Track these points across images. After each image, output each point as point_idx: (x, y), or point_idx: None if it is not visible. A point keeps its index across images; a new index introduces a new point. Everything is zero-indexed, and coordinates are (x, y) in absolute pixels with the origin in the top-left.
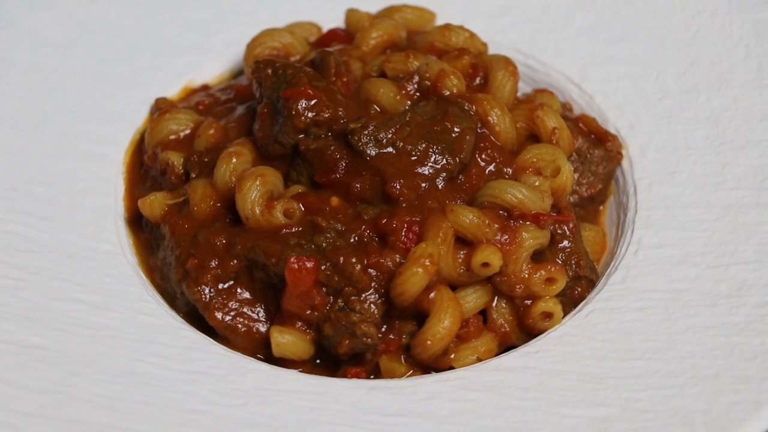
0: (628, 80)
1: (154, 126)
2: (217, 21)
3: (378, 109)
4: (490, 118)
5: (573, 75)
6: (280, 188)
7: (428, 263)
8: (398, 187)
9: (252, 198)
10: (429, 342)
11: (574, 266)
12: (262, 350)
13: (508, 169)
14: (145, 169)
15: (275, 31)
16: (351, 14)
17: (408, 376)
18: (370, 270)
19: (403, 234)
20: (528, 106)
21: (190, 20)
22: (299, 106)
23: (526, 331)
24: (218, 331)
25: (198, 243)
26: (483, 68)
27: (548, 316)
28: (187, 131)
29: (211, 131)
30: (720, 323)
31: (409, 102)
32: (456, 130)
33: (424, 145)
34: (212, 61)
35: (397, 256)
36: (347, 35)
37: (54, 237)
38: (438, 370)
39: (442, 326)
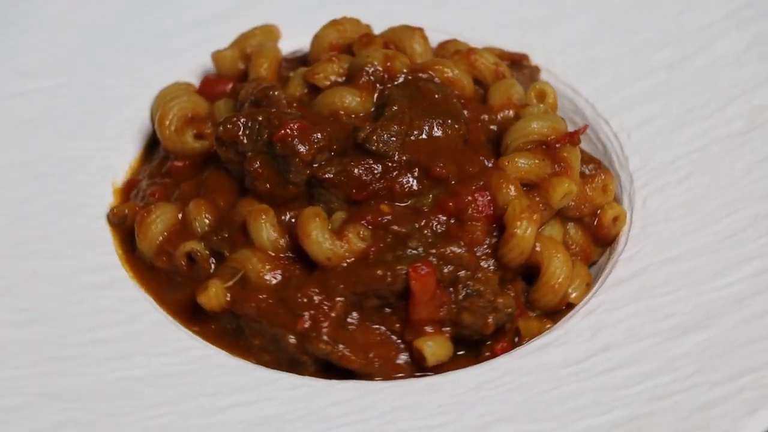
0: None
1: (143, 232)
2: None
3: (351, 116)
4: (449, 77)
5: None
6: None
7: (534, 216)
8: (442, 166)
9: (322, 239)
10: (557, 286)
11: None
12: (405, 369)
13: (485, 116)
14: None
15: (174, 99)
16: (217, 56)
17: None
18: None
19: (478, 203)
20: (460, 56)
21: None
22: (299, 142)
23: (601, 242)
24: (360, 370)
25: (293, 304)
26: (393, 42)
27: (616, 219)
28: (175, 224)
29: (202, 208)
30: None
31: (375, 96)
32: (437, 97)
33: (430, 122)
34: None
35: (479, 224)
36: (223, 77)
37: None
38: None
39: (561, 268)
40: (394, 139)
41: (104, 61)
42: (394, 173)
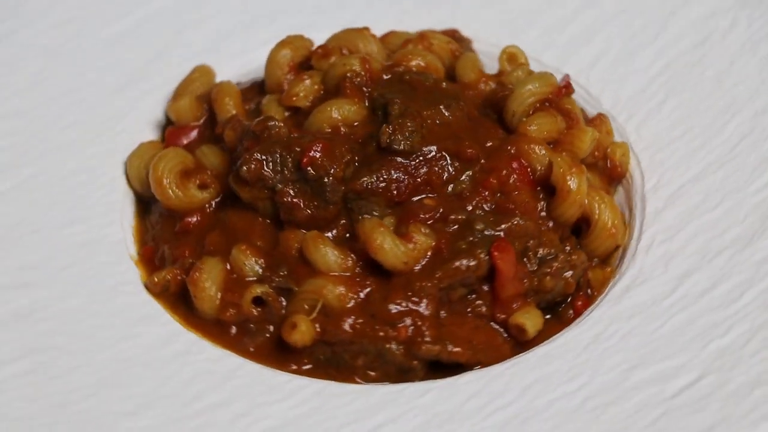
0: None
1: (200, 293)
2: None
3: (346, 129)
4: (424, 64)
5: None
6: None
7: (581, 169)
8: (469, 146)
9: (395, 246)
10: (613, 230)
11: None
12: (507, 349)
13: (470, 92)
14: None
15: (160, 158)
16: (174, 108)
17: None
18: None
19: (517, 172)
20: (415, 41)
21: None
22: (327, 161)
23: (615, 181)
24: (469, 362)
25: (386, 316)
26: (346, 47)
27: (624, 155)
28: (227, 276)
29: (248, 253)
30: None
31: (366, 102)
32: (428, 84)
33: (436, 108)
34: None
35: (525, 192)
36: (186, 126)
37: None
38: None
39: (609, 212)
40: (414, 133)
41: (61, 147)
42: (428, 165)
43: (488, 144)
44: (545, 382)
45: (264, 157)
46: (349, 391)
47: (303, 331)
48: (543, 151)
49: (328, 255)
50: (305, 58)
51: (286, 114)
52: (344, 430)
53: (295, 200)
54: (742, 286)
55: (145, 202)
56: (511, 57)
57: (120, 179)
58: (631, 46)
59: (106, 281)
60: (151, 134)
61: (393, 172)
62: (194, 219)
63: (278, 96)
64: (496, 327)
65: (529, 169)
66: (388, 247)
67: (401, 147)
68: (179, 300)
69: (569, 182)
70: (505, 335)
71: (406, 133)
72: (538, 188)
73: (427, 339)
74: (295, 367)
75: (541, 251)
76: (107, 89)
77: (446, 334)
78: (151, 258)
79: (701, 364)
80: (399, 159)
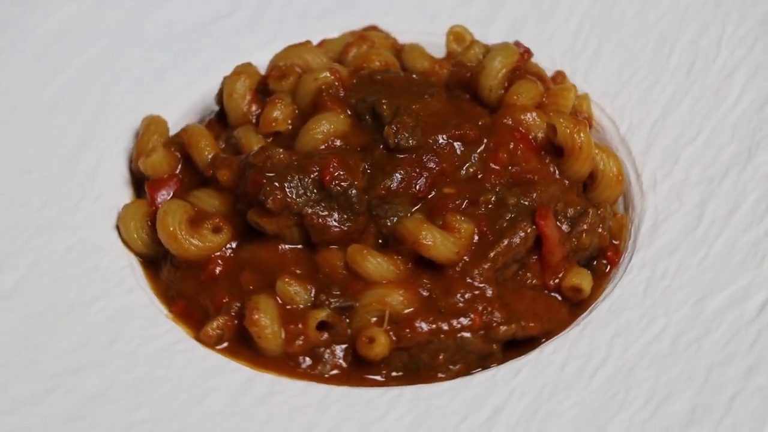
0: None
1: (263, 335)
2: None
3: (340, 141)
4: (383, 61)
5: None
6: None
7: (584, 124)
8: (469, 128)
9: (445, 240)
10: (619, 177)
11: None
12: (566, 312)
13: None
14: None
15: (165, 212)
16: (149, 163)
17: None
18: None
19: (520, 143)
20: (356, 43)
21: None
22: (347, 174)
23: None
24: (541, 333)
25: (455, 309)
26: (296, 64)
27: (581, 99)
28: (281, 311)
29: (293, 283)
30: None
31: (347, 111)
32: (401, 78)
33: (422, 100)
34: None
35: (533, 158)
36: (166, 177)
37: None
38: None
39: (611, 162)
40: (415, 128)
41: (43, 228)
42: (438, 156)
43: (480, 123)
44: (626, 334)
45: (285, 185)
46: (445, 389)
47: (383, 344)
48: (537, 117)
49: (379, 264)
50: (259, 84)
51: (269, 140)
52: (462, 427)
53: (325, 220)
54: (763, 199)
55: (150, 262)
56: (458, 36)
57: (117, 244)
58: (546, 5)
59: (156, 345)
60: (125, 193)
61: (409, 169)
62: (219, 267)
63: (249, 126)
64: (551, 294)
65: (530, 137)
66: (437, 241)
67: (409, 144)
68: (238, 345)
69: (578, 139)
70: (560, 300)
71: (409, 130)
72: (543, 153)
73: (500, 320)
74: (381, 379)
75: (570, 211)
76: (63, 158)
77: (515, 312)
78: (186, 313)
79: (766, 278)
80: (410, 156)
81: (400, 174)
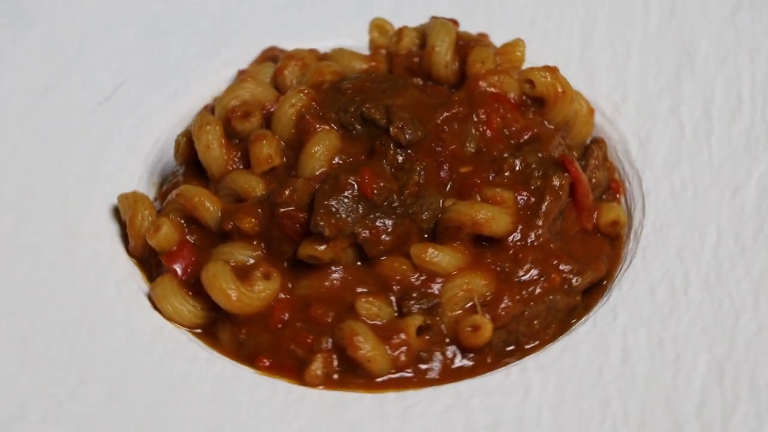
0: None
1: (373, 358)
2: None
3: (340, 157)
4: (335, 71)
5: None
6: None
7: (555, 69)
8: (459, 107)
9: (500, 213)
10: (592, 110)
11: None
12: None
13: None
14: None
15: (212, 275)
16: (156, 239)
17: None
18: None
19: (503, 105)
20: (288, 65)
21: None
22: (381, 179)
23: None
24: (607, 275)
25: (532, 277)
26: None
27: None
28: (381, 327)
29: (371, 302)
30: None
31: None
32: (362, 78)
33: (402, 94)
34: None
35: (518, 115)
36: (179, 245)
37: None
38: None
39: (582, 100)
40: (414, 120)
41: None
42: (443, 140)
43: (456, 98)
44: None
45: (332, 212)
46: (566, 345)
47: (488, 328)
48: (505, 78)
49: (447, 256)
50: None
51: (267, 177)
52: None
53: (377, 231)
54: None
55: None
56: (380, 28)
57: (157, 320)
58: None
59: (273, 403)
60: (137, 275)
61: (429, 160)
62: (284, 311)
63: (239, 171)
64: (593, 235)
65: (509, 97)
66: (494, 215)
67: (418, 136)
68: (346, 376)
69: (558, 85)
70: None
71: (412, 124)
72: (523, 109)
73: (575, 270)
74: (489, 360)
75: (575, 153)
76: (61, 253)
77: (578, 260)
78: (275, 365)
79: None
80: (421, 148)
81: (421, 167)
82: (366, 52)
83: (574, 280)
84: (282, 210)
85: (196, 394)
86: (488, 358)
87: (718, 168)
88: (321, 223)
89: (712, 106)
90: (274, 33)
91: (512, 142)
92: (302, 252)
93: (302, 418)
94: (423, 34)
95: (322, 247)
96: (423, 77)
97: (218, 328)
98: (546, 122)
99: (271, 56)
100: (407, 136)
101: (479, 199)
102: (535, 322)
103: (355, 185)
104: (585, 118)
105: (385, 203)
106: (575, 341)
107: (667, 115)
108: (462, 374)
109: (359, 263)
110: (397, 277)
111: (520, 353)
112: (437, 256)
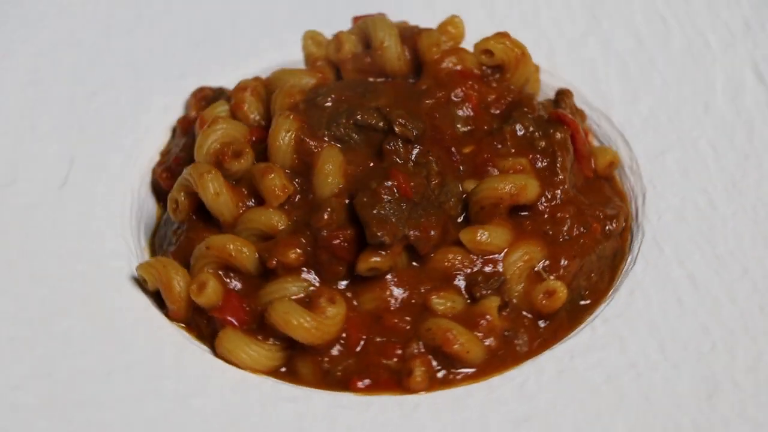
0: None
1: (472, 348)
2: None
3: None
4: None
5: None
6: None
7: (506, 34)
8: (440, 93)
9: (533, 183)
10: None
11: None
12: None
13: None
14: None
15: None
16: (200, 298)
17: None
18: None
19: (474, 81)
20: (249, 90)
21: None
22: (414, 178)
23: None
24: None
25: (576, 228)
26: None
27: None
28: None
29: (441, 294)
30: None
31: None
32: (333, 87)
33: (383, 92)
34: None
35: (488, 88)
36: (225, 302)
37: None
38: None
39: (513, 44)
40: (409, 113)
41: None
42: (439, 127)
43: (425, 87)
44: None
45: (383, 218)
46: (631, 288)
47: (563, 290)
48: (463, 54)
49: (496, 233)
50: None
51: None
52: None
53: (425, 228)
54: None
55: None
56: (314, 39)
57: (237, 373)
58: None
59: (394, 417)
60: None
61: (437, 148)
62: (357, 330)
63: (253, 210)
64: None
65: (473, 72)
66: (525, 184)
67: (420, 129)
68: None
69: (515, 48)
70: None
71: (411, 119)
72: (487, 80)
73: (608, 215)
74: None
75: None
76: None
77: (600, 206)
78: (376, 383)
79: None
80: (425, 139)
81: (434, 157)
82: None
83: (611, 225)
84: (326, 233)
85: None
86: (563, 320)
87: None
88: (379, 234)
89: None
90: (194, 72)
91: (495, 112)
92: (362, 267)
93: (432, 423)
94: (363, 35)
95: (381, 257)
96: (376, 75)
97: (297, 364)
98: (511, 87)
99: (204, 96)
100: (414, 131)
101: (497, 172)
102: (592, 274)
103: (394, 189)
104: (535, 76)
105: (424, 199)
106: (637, 281)
107: None
108: (548, 341)
109: (414, 264)
110: (457, 267)
111: (590, 307)
112: (488, 235)
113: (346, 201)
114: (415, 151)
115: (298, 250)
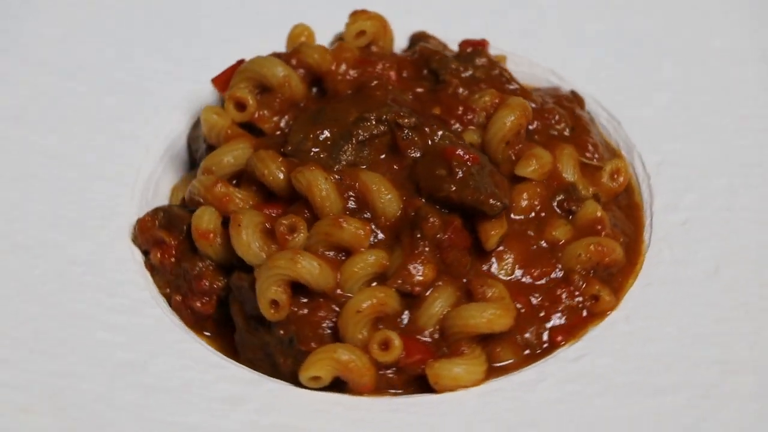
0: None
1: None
2: None
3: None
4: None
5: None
6: None
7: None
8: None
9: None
10: None
11: None
12: None
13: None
14: None
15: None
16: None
17: None
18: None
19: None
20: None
21: None
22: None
23: None
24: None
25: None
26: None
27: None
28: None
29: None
30: None
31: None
32: (311, 97)
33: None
34: None
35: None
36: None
37: None
38: None
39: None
40: (409, 109)
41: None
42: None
43: (418, 90)
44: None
45: (481, 188)
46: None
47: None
48: (345, 48)
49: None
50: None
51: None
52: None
53: (501, 178)
54: None
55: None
56: (215, 112)
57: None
58: None
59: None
60: None
61: (447, 127)
62: (527, 298)
63: (359, 257)
64: None
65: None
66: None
67: (414, 117)
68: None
69: (379, 20)
70: None
71: (403, 110)
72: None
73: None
74: None
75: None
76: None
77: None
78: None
79: None
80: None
81: (443, 131)
82: None
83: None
84: (444, 236)
85: None
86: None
87: None
88: (491, 201)
89: None
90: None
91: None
92: (491, 242)
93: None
94: (255, 81)
95: (498, 222)
96: (287, 109)
97: (498, 352)
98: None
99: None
100: (412, 117)
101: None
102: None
103: (466, 161)
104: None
105: (467, 176)
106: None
107: None
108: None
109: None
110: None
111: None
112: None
113: (422, 201)
114: (440, 132)
115: (431, 265)
